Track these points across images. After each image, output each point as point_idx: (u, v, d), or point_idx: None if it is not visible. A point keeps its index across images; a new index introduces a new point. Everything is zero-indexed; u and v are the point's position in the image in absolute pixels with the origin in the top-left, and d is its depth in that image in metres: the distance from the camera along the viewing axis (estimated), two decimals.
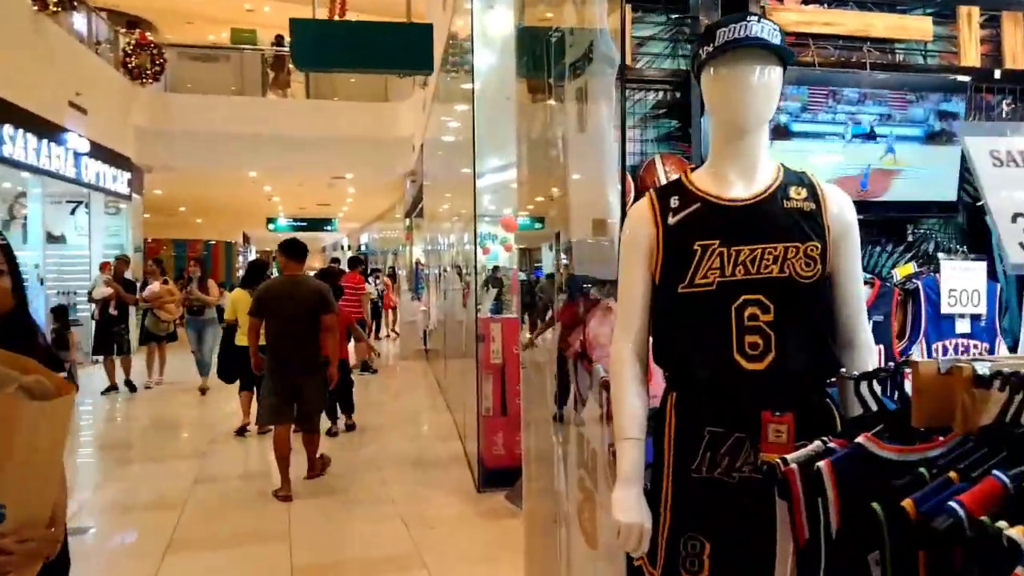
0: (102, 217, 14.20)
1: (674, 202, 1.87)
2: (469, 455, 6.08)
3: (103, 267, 10.74)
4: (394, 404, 9.29)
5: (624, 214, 2.15)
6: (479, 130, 6.02)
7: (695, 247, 1.79)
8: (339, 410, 7.40)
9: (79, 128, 12.46)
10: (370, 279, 15.30)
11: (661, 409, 1.87)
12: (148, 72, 15.25)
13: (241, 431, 7.39)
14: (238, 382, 7.37)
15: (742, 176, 1.85)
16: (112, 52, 15.15)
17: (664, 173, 2.96)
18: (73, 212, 14.43)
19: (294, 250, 5.68)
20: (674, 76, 3.21)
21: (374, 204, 25.37)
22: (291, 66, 17.79)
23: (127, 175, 14.81)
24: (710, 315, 1.78)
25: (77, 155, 12.43)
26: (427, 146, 13.85)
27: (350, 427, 7.50)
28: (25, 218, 14.56)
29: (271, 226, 28.76)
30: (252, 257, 40.71)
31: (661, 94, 3.31)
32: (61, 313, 9.25)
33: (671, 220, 1.85)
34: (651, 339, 1.93)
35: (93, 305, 10.34)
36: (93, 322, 10.39)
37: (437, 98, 12.03)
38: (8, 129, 10.03)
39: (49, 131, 11.34)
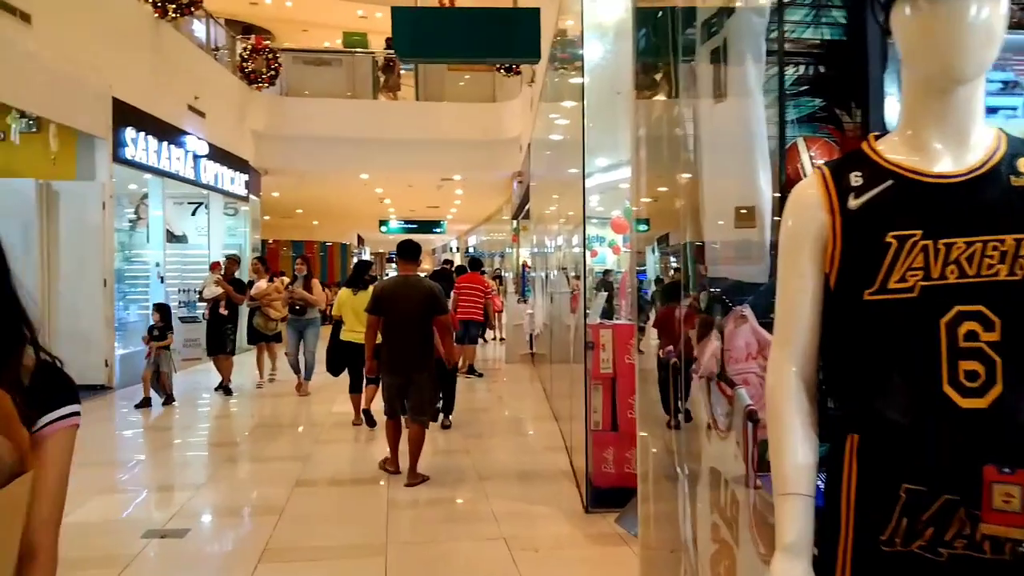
0: (221, 218, 14.60)
1: (855, 179, 1.40)
2: (577, 471, 5.67)
3: (213, 267, 10.65)
4: (499, 410, 8.99)
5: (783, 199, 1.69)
6: (588, 128, 5.60)
7: (888, 239, 1.33)
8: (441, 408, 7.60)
9: (198, 131, 12.84)
10: None
11: (835, 454, 1.41)
12: (264, 76, 15.64)
13: (370, 421, 7.68)
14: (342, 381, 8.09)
15: (951, 144, 1.37)
16: (229, 58, 15.62)
17: (809, 159, 2.47)
18: (194, 213, 14.94)
19: (408, 251, 5.90)
20: (817, 47, 2.71)
21: (482, 206, 25.34)
22: (401, 70, 17.97)
23: (244, 177, 15.22)
24: (910, 332, 1.31)
25: (196, 157, 12.80)
26: (534, 146, 13.54)
27: (445, 427, 7.58)
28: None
29: (383, 228, 29.33)
30: (367, 258, 41.91)
31: (802, 68, 2.82)
32: (163, 312, 9.04)
33: (852, 203, 1.39)
34: (820, 360, 1.47)
35: (204, 304, 10.37)
36: (205, 321, 10.46)
37: (544, 96, 11.69)
38: (131, 132, 10.37)
39: (169, 134, 11.70)
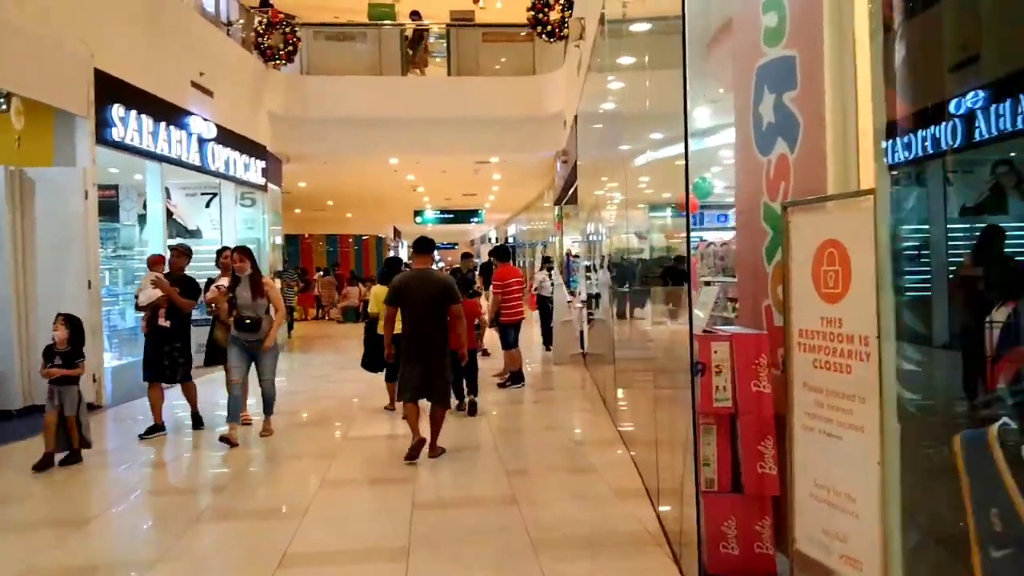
0: (236, 209, 13.22)
1: None
2: (671, 535, 4.07)
3: (153, 262, 7.44)
4: (550, 431, 7.30)
5: None
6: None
7: None
8: (465, 390, 7.98)
9: (204, 111, 11.44)
10: None
11: None
12: (281, 53, 14.21)
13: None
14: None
15: None
16: (244, 33, 14.22)
17: None
18: (208, 205, 13.61)
19: (423, 247, 6.42)
20: None
21: (521, 192, 23.73)
22: (430, 41, 16.44)
23: (261, 164, 13.81)
24: None
25: (203, 141, 11.41)
26: (582, 119, 11.91)
27: (472, 405, 7.91)
28: (171, 214, 13.94)
29: (418, 219, 27.94)
30: (404, 251, 40.64)
31: None
32: (72, 326, 6.16)
33: None
34: None
35: (140, 315, 7.29)
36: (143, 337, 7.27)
37: (597, 56, 10.06)
38: (118, 110, 8.97)
39: (169, 114, 10.31)
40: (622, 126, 9.66)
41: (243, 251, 6.72)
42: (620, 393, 7.27)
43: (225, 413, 6.89)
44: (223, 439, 6.53)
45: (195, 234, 13.83)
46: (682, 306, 4.02)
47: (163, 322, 6.94)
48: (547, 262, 14.04)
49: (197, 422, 7.40)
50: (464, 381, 7.93)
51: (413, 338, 5.99)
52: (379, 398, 8.49)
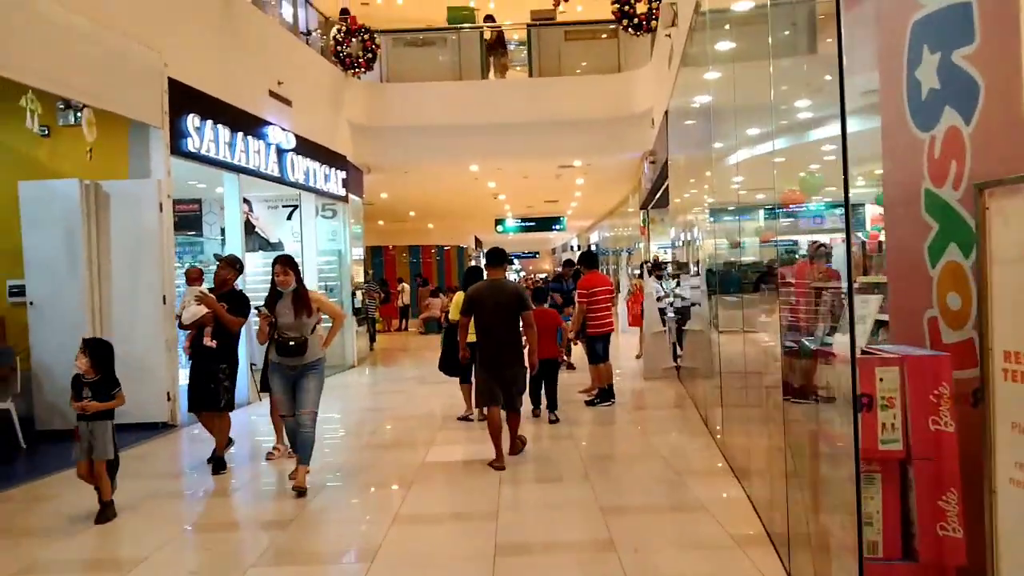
0: (315, 220, 12.97)
1: None
2: None
3: (192, 276, 6.88)
4: (645, 459, 6.39)
5: None
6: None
7: None
8: (544, 401, 8.17)
9: (282, 121, 11.21)
10: None
11: None
12: (360, 60, 13.95)
13: (465, 417, 8.21)
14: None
15: None
16: (323, 42, 14.03)
17: None
18: (290, 217, 13.45)
19: (495, 258, 6.58)
20: None
21: (605, 197, 23.00)
22: (511, 48, 15.94)
23: (342, 174, 13.55)
24: None
25: (281, 151, 11.17)
26: (674, 114, 11.14)
27: (553, 421, 7.98)
28: (252, 227, 13.86)
29: (499, 228, 27.53)
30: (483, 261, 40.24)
31: None
32: (97, 354, 5.17)
33: None
34: None
35: (183, 335, 6.66)
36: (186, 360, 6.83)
37: (692, 46, 9.32)
38: (194, 120, 8.75)
39: (246, 124, 10.08)
40: (723, 120, 8.90)
41: (286, 262, 5.68)
42: (723, 414, 6.48)
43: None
44: (296, 489, 5.46)
45: (276, 246, 13.69)
46: (822, 318, 3.29)
47: (209, 342, 6.23)
48: (658, 267, 13.12)
49: (218, 465, 6.28)
50: (543, 392, 8.16)
51: (486, 346, 6.26)
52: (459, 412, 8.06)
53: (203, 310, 6.25)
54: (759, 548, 4.08)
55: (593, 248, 33.96)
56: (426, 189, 18.91)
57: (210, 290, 6.41)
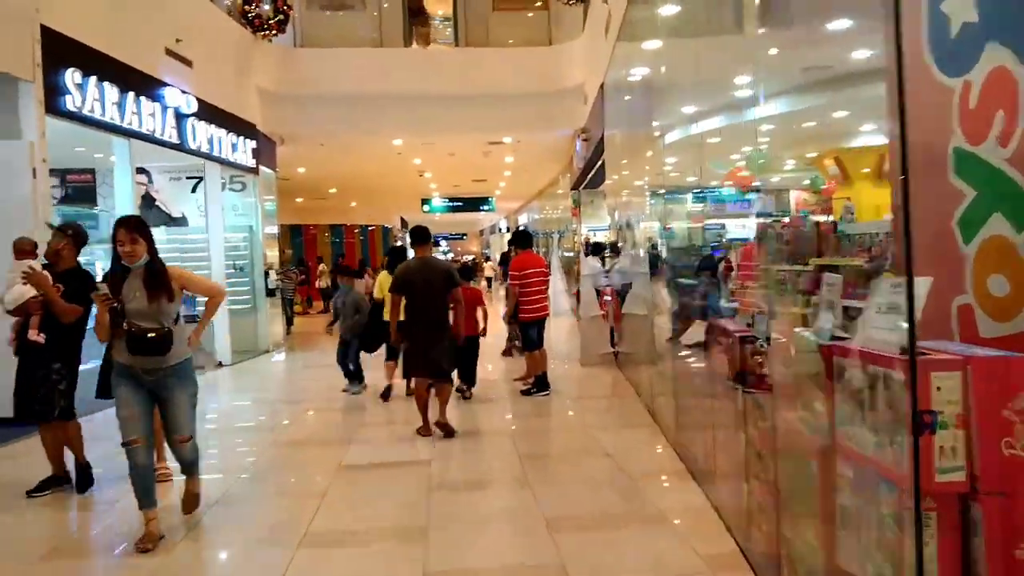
0: (221, 193, 11.89)
1: None
2: None
3: (21, 249, 5.18)
4: (590, 457, 5.69)
5: None
6: None
7: None
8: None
9: (181, 83, 10.11)
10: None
11: None
12: (271, 23, 12.84)
13: (386, 394, 8.16)
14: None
15: None
16: (229, 1, 12.86)
17: None
18: (194, 190, 12.31)
19: (420, 236, 6.71)
20: None
21: (535, 177, 22.36)
22: (436, 23, 15.08)
23: (252, 144, 12.46)
24: None
25: (181, 116, 10.08)
26: (610, 90, 10.55)
27: (466, 397, 7.99)
28: (142, 198, 12.65)
29: (425, 207, 26.64)
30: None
31: None
32: None
33: None
34: None
35: (12, 321, 5.09)
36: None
37: (632, 9, 8.72)
38: (74, 75, 7.64)
39: (139, 84, 8.98)
40: (665, 93, 8.36)
41: (133, 225, 4.04)
42: (676, 407, 5.91)
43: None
44: (140, 545, 3.99)
45: (180, 222, 12.56)
46: (824, 305, 2.68)
47: (35, 336, 4.83)
48: (599, 248, 12.40)
49: (84, 480, 5.09)
50: (462, 367, 7.97)
51: (417, 323, 6.38)
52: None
53: (30, 292, 4.87)
54: (736, 573, 3.48)
55: (523, 228, 33.39)
56: (347, 164, 17.87)
57: (44, 267, 5.02)
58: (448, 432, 6.35)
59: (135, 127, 8.83)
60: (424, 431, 6.40)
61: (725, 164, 14.87)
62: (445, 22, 14.98)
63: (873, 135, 13.72)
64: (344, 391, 8.53)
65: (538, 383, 8.19)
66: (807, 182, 20.71)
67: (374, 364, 8.82)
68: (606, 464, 5.54)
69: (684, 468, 5.20)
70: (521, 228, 10.03)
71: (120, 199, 9.23)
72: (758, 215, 19.48)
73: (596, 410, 7.79)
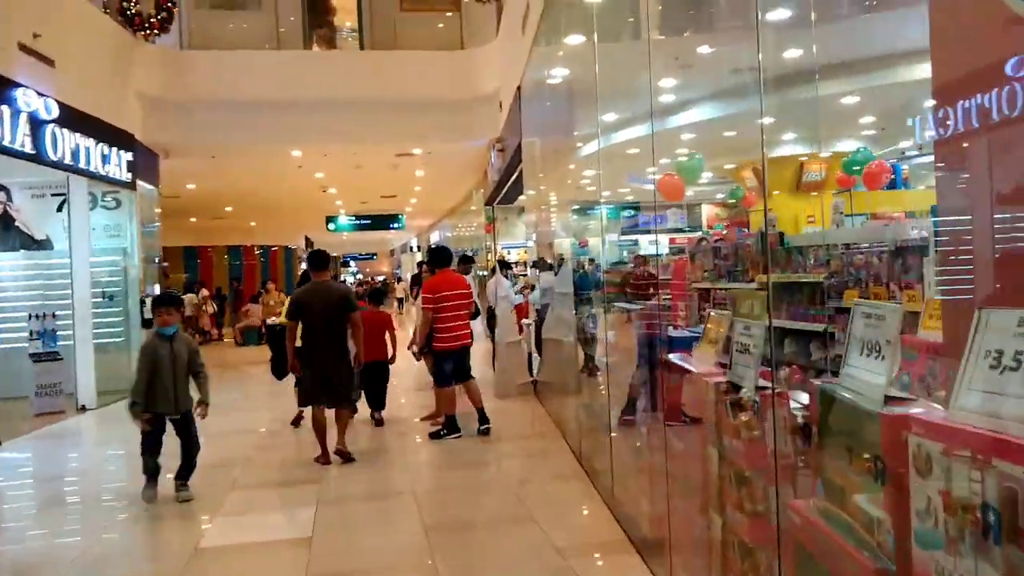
0: (89, 213, 10.49)
1: None
2: None
3: None
4: (512, 526, 4.78)
5: None
6: None
7: None
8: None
9: (39, 84, 8.77)
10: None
11: None
12: (153, 21, 11.55)
13: (296, 421, 7.98)
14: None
15: None
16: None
17: None
18: (60, 208, 10.85)
19: (318, 261, 6.73)
20: None
21: (448, 192, 21.45)
22: (344, 35, 14.05)
23: (127, 156, 11.07)
24: None
25: (39, 122, 8.72)
26: (528, 92, 9.77)
27: (378, 422, 7.95)
28: (12, 220, 11.14)
29: (331, 226, 25.27)
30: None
31: None
32: None
33: None
34: None
35: None
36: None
37: (549, 11, 7.96)
38: None
39: None
40: (578, 102, 7.62)
41: None
42: (612, 455, 5.06)
43: None
44: None
45: (44, 244, 11.08)
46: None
47: None
48: (504, 266, 11.54)
49: None
50: (371, 393, 7.99)
51: (313, 348, 6.37)
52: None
53: None
54: None
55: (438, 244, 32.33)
56: (242, 180, 16.50)
57: None
58: (347, 459, 6.38)
59: None
60: (323, 459, 6.37)
61: (643, 176, 14.40)
62: (348, 23, 13.94)
63: (793, 144, 13.52)
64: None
65: (448, 424, 7.21)
66: (720, 196, 20.60)
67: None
68: (533, 535, 4.56)
69: (624, 537, 4.33)
70: (436, 245, 9.09)
71: None
72: (675, 231, 19.19)
73: (517, 456, 6.83)
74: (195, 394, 5.56)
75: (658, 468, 3.81)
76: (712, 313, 3.34)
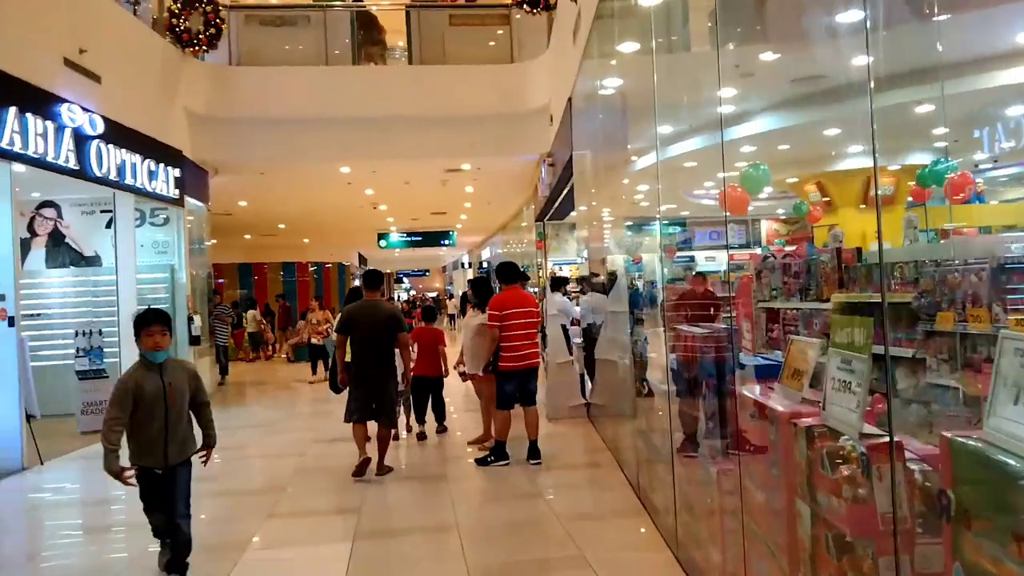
0: (136, 229, 10.43)
1: None
2: None
3: None
4: (568, 570, 4.31)
5: None
6: None
7: None
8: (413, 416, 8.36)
9: (85, 100, 8.71)
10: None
11: None
12: (201, 37, 11.52)
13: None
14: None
15: None
16: (156, 15, 11.52)
17: None
18: (109, 225, 10.83)
19: (371, 280, 6.97)
20: None
21: (498, 209, 21.13)
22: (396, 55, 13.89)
23: (175, 172, 11.02)
24: None
25: (84, 137, 8.65)
26: (579, 103, 9.36)
27: (420, 436, 8.15)
28: (50, 235, 11.17)
29: (382, 243, 25.19)
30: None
31: None
32: None
33: None
34: None
35: None
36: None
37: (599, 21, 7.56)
38: None
39: (27, 97, 7.57)
40: (646, 107, 7.15)
41: None
42: (676, 492, 4.57)
43: None
44: None
45: (93, 261, 11.06)
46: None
47: None
48: (558, 283, 10.86)
49: None
50: (414, 407, 8.35)
51: (359, 364, 6.58)
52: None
53: None
54: None
55: (484, 266, 32.04)
56: (294, 197, 16.46)
57: None
58: (386, 472, 6.56)
59: (15, 148, 7.37)
60: (360, 468, 6.45)
61: (701, 190, 13.84)
62: (401, 42, 13.77)
63: (860, 157, 12.81)
64: None
65: (497, 450, 6.78)
66: (780, 212, 19.81)
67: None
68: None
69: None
70: (507, 260, 8.57)
71: (2, 233, 7.70)
72: (741, 247, 18.46)
73: (569, 487, 6.34)
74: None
75: (729, 511, 3.33)
76: (794, 339, 2.86)
